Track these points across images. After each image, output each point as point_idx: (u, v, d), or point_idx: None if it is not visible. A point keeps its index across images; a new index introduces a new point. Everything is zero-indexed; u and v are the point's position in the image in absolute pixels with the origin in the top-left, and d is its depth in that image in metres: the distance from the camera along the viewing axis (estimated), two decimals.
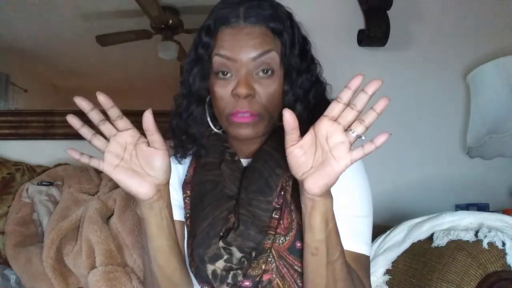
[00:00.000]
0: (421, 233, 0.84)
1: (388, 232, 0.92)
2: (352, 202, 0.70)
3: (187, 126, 0.76)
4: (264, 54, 0.68)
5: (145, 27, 1.52)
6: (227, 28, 0.70)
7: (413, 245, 0.86)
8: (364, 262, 0.69)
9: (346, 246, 0.66)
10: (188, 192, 0.75)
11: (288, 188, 0.69)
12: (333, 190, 0.70)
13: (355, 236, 0.68)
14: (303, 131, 0.57)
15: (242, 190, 0.69)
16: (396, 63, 1.55)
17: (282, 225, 0.66)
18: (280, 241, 0.65)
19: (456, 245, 0.74)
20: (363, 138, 0.54)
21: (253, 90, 0.67)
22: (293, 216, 0.67)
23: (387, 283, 0.88)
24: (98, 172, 1.33)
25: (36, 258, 1.09)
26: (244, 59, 0.67)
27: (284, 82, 0.71)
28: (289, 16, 0.75)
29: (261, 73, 0.68)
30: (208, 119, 0.76)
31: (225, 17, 0.70)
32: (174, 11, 1.52)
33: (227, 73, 0.69)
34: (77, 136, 1.62)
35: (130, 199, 1.14)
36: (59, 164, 1.36)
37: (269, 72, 0.69)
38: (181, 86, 0.78)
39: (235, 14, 0.69)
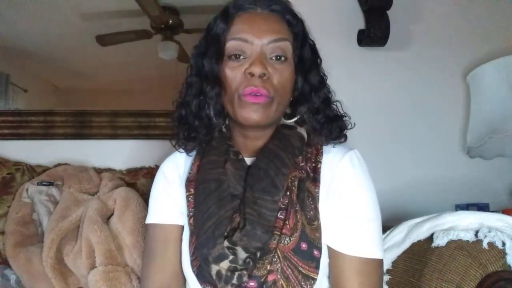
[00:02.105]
0: (421, 233, 0.84)
1: (388, 232, 0.92)
2: (360, 206, 0.69)
3: (200, 110, 0.74)
4: (279, 41, 0.70)
5: (145, 27, 1.52)
6: (244, 13, 0.72)
7: (413, 245, 0.86)
8: (378, 267, 0.68)
9: (361, 254, 0.66)
10: (192, 190, 0.74)
11: (294, 188, 0.68)
12: (339, 194, 0.70)
13: (362, 240, 0.67)
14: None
15: (248, 189, 0.68)
16: (396, 63, 1.55)
17: (287, 226, 0.65)
18: (285, 241, 0.65)
19: (456, 245, 0.74)
20: None
21: (267, 70, 0.68)
22: (298, 217, 0.67)
23: (387, 283, 0.88)
24: (98, 172, 1.33)
25: (36, 258, 1.09)
26: (259, 41, 0.69)
27: (296, 73, 0.73)
28: (302, 21, 0.77)
29: (274, 58, 0.70)
30: (213, 117, 0.75)
31: (241, 4, 0.73)
32: (174, 11, 1.52)
33: (240, 56, 0.70)
34: (77, 136, 1.62)
35: (130, 199, 1.14)
36: (59, 164, 1.36)
37: (282, 59, 0.70)
38: (190, 70, 0.78)
39: (253, 2, 0.73)
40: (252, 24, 0.70)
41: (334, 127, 0.75)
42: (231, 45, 0.71)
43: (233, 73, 0.70)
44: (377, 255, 0.67)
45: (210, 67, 0.72)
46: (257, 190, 0.67)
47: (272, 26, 0.71)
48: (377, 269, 0.68)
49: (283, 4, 0.75)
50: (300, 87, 0.73)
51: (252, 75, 0.67)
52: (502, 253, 0.69)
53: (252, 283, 0.63)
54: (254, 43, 0.69)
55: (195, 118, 0.75)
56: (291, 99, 0.75)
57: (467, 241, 0.73)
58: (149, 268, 0.77)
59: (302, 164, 0.72)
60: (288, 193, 0.68)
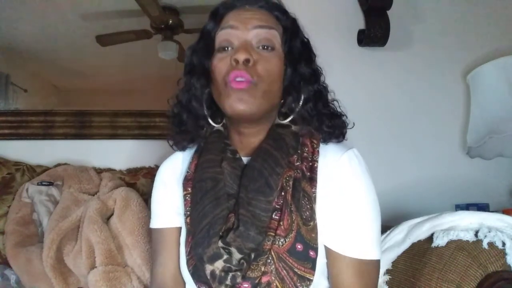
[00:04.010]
0: (421, 233, 0.84)
1: (388, 232, 0.92)
2: (361, 206, 0.69)
3: (188, 103, 0.76)
4: (266, 28, 0.71)
5: (145, 27, 1.52)
6: (232, 11, 0.74)
7: (413, 245, 0.86)
8: (376, 268, 0.68)
9: (361, 255, 0.66)
10: (189, 189, 0.74)
11: (288, 188, 0.67)
12: (338, 193, 0.69)
13: (362, 242, 0.67)
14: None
15: (242, 189, 0.68)
16: (396, 63, 1.55)
17: (282, 226, 0.65)
18: (280, 242, 0.64)
19: (456, 245, 0.74)
20: None
21: (252, 57, 0.68)
22: (293, 218, 0.66)
23: (387, 283, 0.88)
24: (98, 172, 1.33)
25: (36, 258, 1.09)
26: (245, 27, 0.70)
27: (285, 64, 0.73)
28: (294, 18, 0.78)
29: (261, 47, 0.70)
30: (204, 110, 0.76)
31: (230, 3, 0.75)
32: (174, 11, 1.52)
33: (228, 48, 0.71)
34: (77, 136, 1.62)
35: (130, 199, 1.14)
36: (59, 164, 1.36)
37: (269, 48, 0.71)
38: (184, 69, 0.79)
39: (242, 0, 0.74)
40: (240, 15, 0.72)
41: (324, 121, 0.75)
42: (219, 36, 0.72)
43: (220, 64, 0.71)
44: (376, 256, 0.68)
45: (198, 61, 0.74)
46: (251, 190, 0.66)
47: (259, 16, 0.72)
48: (374, 270, 0.68)
49: (272, 1, 0.76)
50: (289, 77, 0.73)
51: (237, 61, 0.68)
52: (502, 253, 0.68)
53: (245, 285, 0.62)
54: (239, 28, 0.70)
55: (184, 111, 0.77)
56: (283, 96, 0.75)
57: (467, 241, 0.73)
58: (154, 270, 0.79)
59: (298, 163, 0.71)
60: (282, 193, 0.67)
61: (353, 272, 0.66)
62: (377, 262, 0.69)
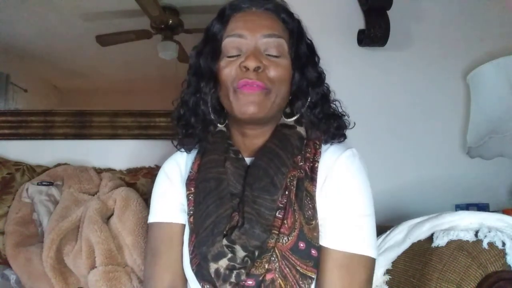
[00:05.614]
0: (421, 233, 0.84)
1: (388, 232, 0.92)
2: (352, 202, 0.69)
3: (196, 107, 0.76)
4: (273, 36, 0.71)
5: (145, 27, 1.52)
6: (239, 13, 0.74)
7: (413, 245, 0.86)
8: (366, 264, 0.67)
9: (347, 248, 0.66)
10: (192, 189, 0.75)
11: (292, 187, 0.69)
12: (333, 191, 0.70)
13: (357, 237, 0.67)
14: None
15: (247, 188, 0.68)
16: (396, 63, 1.55)
17: (285, 225, 0.65)
18: (283, 240, 0.65)
19: (456, 245, 0.74)
20: None
21: (262, 63, 0.69)
22: (296, 216, 0.67)
23: (387, 283, 0.88)
24: (98, 172, 1.33)
25: (36, 258, 1.09)
26: (254, 36, 0.71)
27: (293, 69, 0.74)
28: (298, 20, 0.79)
29: (269, 55, 0.71)
30: (211, 115, 0.77)
31: (237, 4, 0.75)
32: (174, 11, 1.52)
33: (236, 55, 0.71)
34: (77, 136, 1.62)
35: (130, 199, 1.14)
36: (59, 164, 1.36)
37: (277, 56, 0.72)
38: (189, 71, 0.80)
39: (248, 2, 0.75)
40: (247, 21, 0.72)
41: (332, 123, 0.76)
42: (227, 42, 0.72)
43: (228, 69, 0.71)
44: (365, 252, 0.66)
45: (206, 65, 0.74)
46: (256, 189, 0.67)
47: (266, 22, 0.72)
48: (363, 267, 0.66)
49: (278, 3, 0.76)
50: (297, 82, 0.74)
51: (246, 69, 0.68)
52: (502, 253, 0.69)
53: (250, 282, 0.63)
54: (248, 37, 0.70)
55: (191, 115, 0.77)
56: (290, 96, 0.76)
57: (467, 241, 0.73)
58: (154, 267, 0.76)
59: (301, 163, 0.72)
60: (286, 193, 0.68)
61: (337, 266, 0.65)
62: (368, 259, 0.67)
